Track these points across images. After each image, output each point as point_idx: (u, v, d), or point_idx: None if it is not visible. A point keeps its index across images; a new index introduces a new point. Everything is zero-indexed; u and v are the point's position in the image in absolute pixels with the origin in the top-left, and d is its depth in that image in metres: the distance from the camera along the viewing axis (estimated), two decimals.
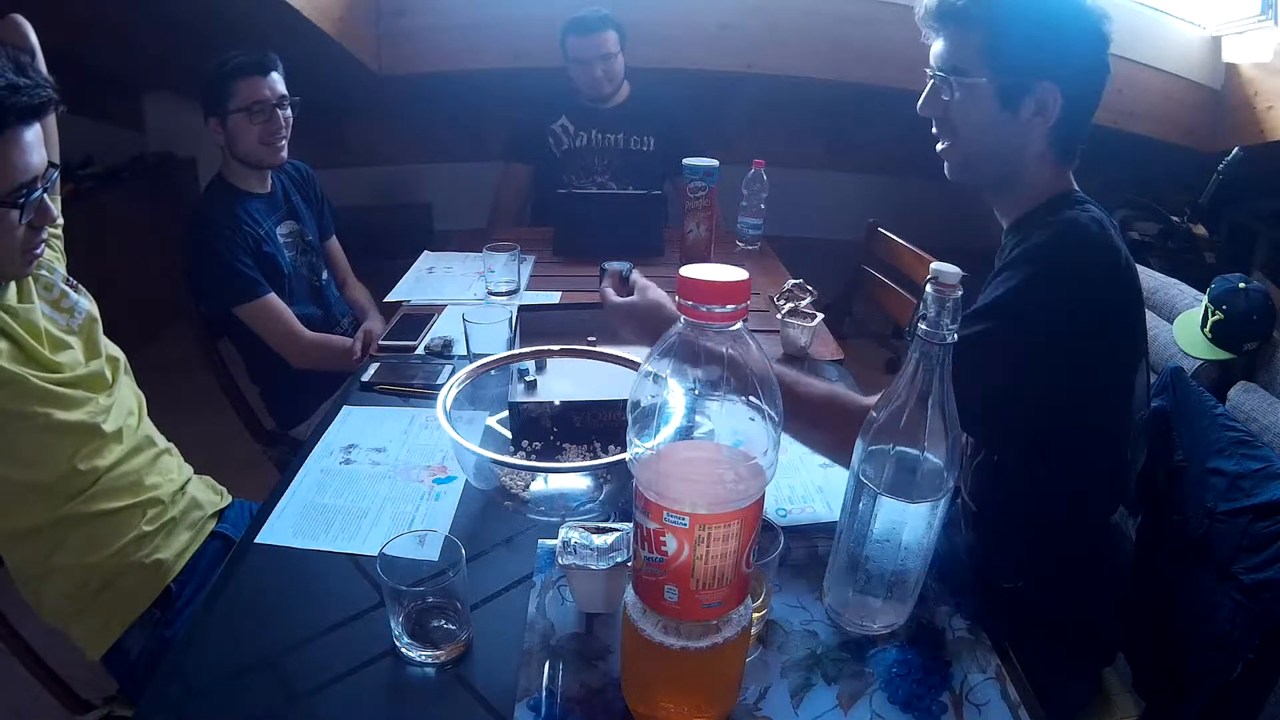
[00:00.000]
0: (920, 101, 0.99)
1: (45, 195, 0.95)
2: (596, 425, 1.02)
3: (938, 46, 0.96)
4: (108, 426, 1.08)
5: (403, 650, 0.75)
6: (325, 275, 1.85)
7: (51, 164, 0.98)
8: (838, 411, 0.87)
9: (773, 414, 0.55)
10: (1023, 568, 0.94)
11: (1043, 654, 0.80)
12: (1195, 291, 1.71)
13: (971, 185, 1.05)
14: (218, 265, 1.56)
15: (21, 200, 0.92)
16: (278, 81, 1.61)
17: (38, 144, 0.93)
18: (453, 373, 1.02)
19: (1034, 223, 0.94)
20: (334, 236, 1.95)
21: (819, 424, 0.89)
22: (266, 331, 1.62)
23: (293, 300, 1.69)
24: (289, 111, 1.64)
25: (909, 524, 0.69)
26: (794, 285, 1.54)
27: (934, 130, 1.01)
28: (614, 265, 1.57)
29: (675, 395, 0.55)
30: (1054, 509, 0.94)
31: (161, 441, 1.23)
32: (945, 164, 1.02)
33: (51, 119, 1.12)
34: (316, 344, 1.66)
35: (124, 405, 1.15)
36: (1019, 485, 0.94)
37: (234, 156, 1.63)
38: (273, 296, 1.61)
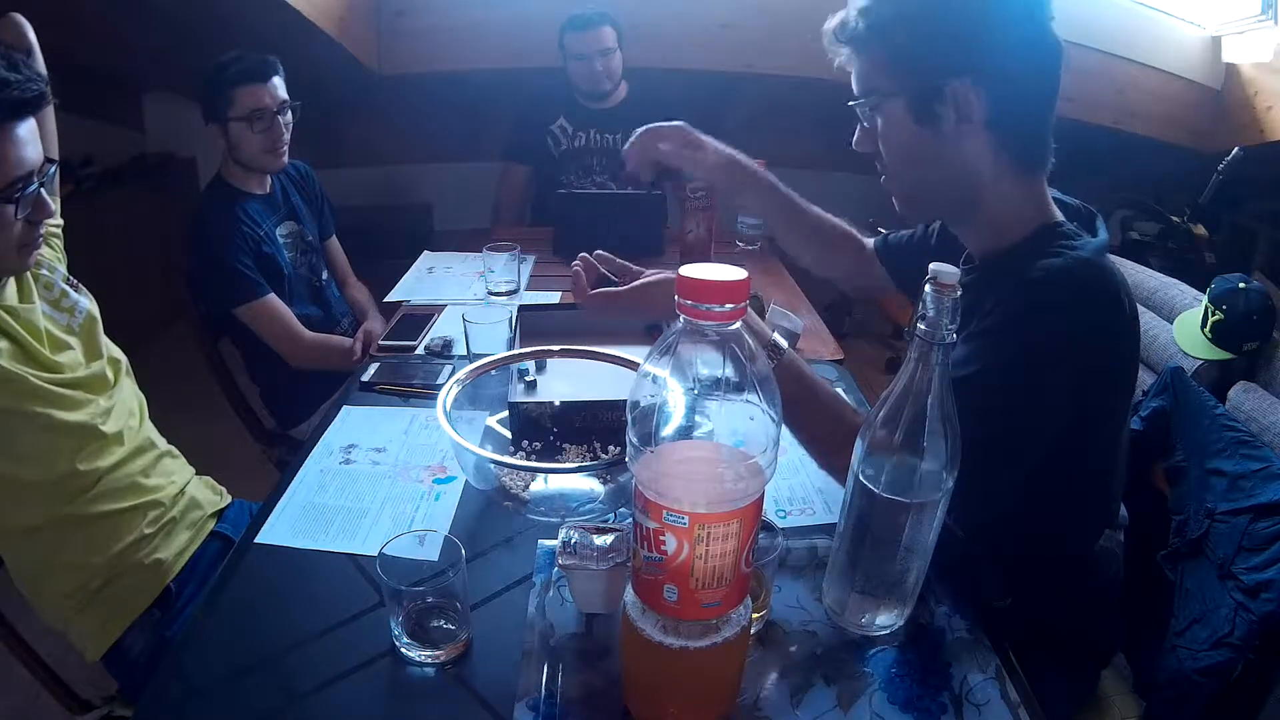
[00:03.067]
0: (854, 138, 0.89)
1: (42, 190, 0.95)
2: (596, 425, 1.02)
3: (853, 73, 0.86)
4: (108, 428, 1.08)
5: (402, 650, 0.75)
6: (325, 275, 1.86)
7: (49, 159, 0.98)
8: (843, 435, 0.78)
9: (772, 413, 0.55)
10: (1011, 589, 0.89)
11: (1040, 657, 0.80)
12: (1195, 291, 1.71)
13: (929, 219, 0.96)
14: (218, 266, 1.56)
15: (17, 195, 0.92)
16: (278, 87, 1.61)
17: (32, 139, 0.93)
18: (453, 373, 1.02)
19: (1018, 266, 0.80)
20: (334, 236, 1.95)
21: (817, 437, 0.86)
22: (266, 332, 1.62)
23: (293, 300, 1.69)
24: (289, 117, 1.63)
25: (908, 524, 0.69)
26: None
27: (878, 167, 0.90)
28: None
29: (675, 395, 0.55)
30: (1040, 541, 0.90)
31: (163, 443, 1.23)
32: (894, 201, 0.92)
33: (49, 115, 1.12)
34: (317, 344, 1.66)
35: (125, 407, 1.15)
36: (1005, 521, 0.85)
37: (235, 161, 1.63)
38: (273, 297, 1.61)
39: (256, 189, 1.68)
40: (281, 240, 1.71)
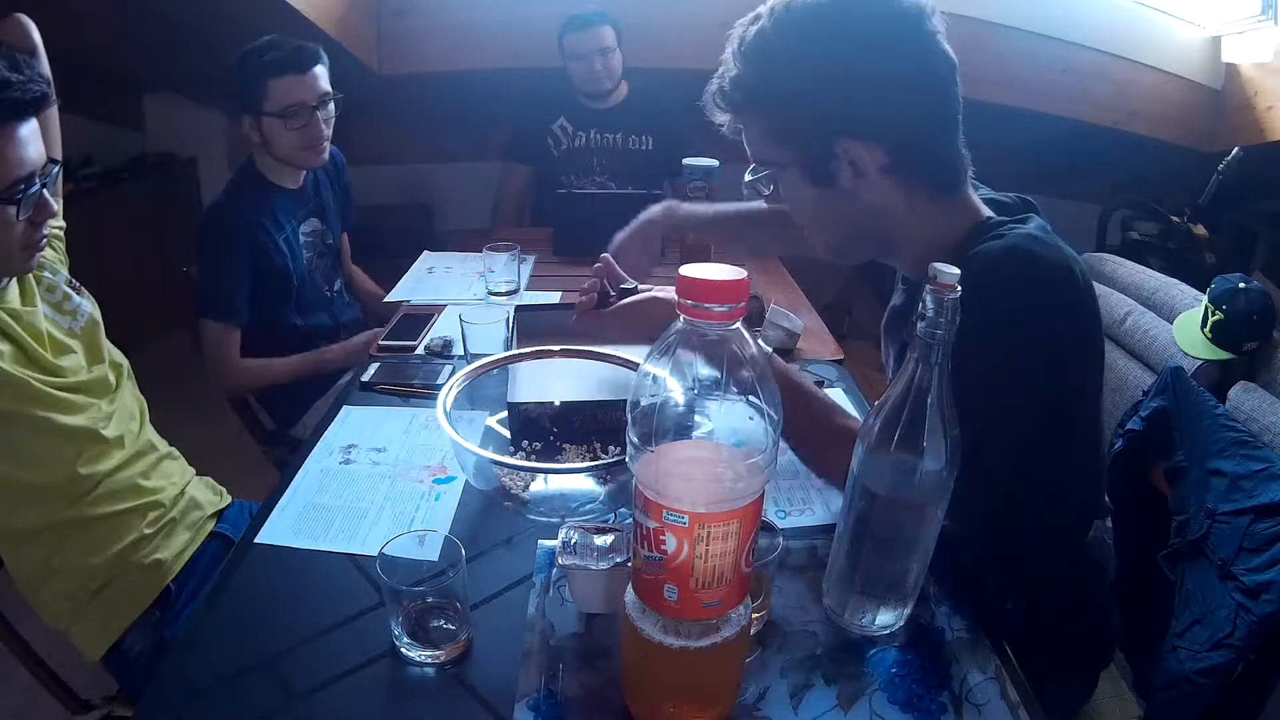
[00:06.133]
0: (767, 195, 0.89)
1: (45, 190, 0.95)
2: (596, 425, 1.02)
3: (744, 138, 0.85)
4: (109, 432, 1.09)
5: (403, 650, 0.75)
6: (338, 285, 1.83)
7: (52, 160, 0.98)
8: (836, 438, 0.80)
9: (772, 413, 0.55)
10: (1010, 589, 0.88)
11: (1040, 657, 0.80)
12: (1195, 291, 1.71)
13: (859, 262, 0.95)
14: (216, 267, 1.54)
15: (19, 196, 0.92)
16: (319, 78, 1.50)
17: (34, 139, 0.93)
18: (453, 373, 1.02)
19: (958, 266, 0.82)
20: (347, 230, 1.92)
21: (810, 442, 0.86)
22: (208, 352, 1.55)
23: (302, 310, 1.66)
24: (331, 110, 1.53)
25: (908, 524, 0.69)
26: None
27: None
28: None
29: (675, 395, 0.55)
30: (1037, 537, 0.90)
31: (163, 446, 1.23)
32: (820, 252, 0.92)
33: (53, 115, 1.12)
34: (251, 372, 1.60)
35: (126, 411, 1.15)
36: (1001, 516, 0.84)
37: (270, 155, 1.55)
38: (236, 329, 1.54)
39: (289, 183, 1.60)
40: (303, 239, 1.66)
